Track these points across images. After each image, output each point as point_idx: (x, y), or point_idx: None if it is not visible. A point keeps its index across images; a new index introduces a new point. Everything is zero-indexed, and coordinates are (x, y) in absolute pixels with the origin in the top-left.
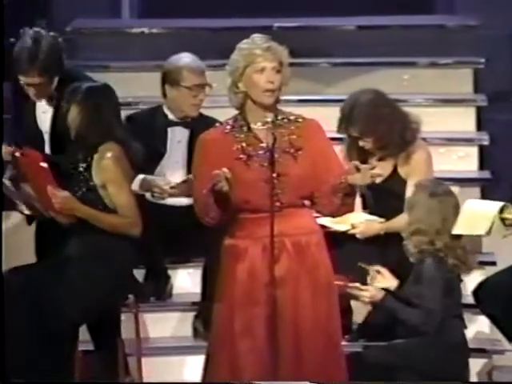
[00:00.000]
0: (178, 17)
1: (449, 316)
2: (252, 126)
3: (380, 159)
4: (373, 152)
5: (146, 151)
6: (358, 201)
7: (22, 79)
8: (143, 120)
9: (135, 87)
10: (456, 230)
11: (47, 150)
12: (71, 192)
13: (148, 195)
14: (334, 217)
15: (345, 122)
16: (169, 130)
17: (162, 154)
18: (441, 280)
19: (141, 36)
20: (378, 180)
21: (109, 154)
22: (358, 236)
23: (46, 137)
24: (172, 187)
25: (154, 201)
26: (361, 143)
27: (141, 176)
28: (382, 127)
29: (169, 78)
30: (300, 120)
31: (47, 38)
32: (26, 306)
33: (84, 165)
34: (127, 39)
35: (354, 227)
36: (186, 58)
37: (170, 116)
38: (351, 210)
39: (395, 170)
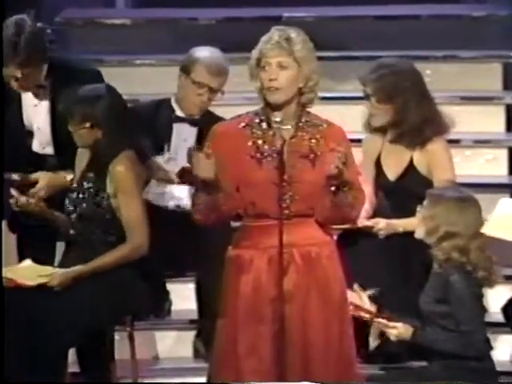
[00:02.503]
0: (177, 6)
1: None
2: (272, 122)
3: (392, 141)
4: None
5: (148, 147)
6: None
7: (5, 71)
8: (147, 112)
9: (131, 83)
10: (486, 229)
11: (36, 147)
12: (78, 205)
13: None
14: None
15: (369, 73)
16: (174, 126)
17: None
18: (471, 296)
19: (137, 27)
20: (393, 177)
21: (124, 161)
22: (380, 233)
23: (38, 133)
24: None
25: (154, 202)
26: (373, 112)
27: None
28: (397, 100)
29: (183, 65)
30: (324, 125)
31: (29, 26)
32: (15, 325)
33: (96, 174)
34: (122, 31)
35: (376, 223)
36: (206, 52)
37: (177, 111)
38: (350, 216)
39: (411, 163)
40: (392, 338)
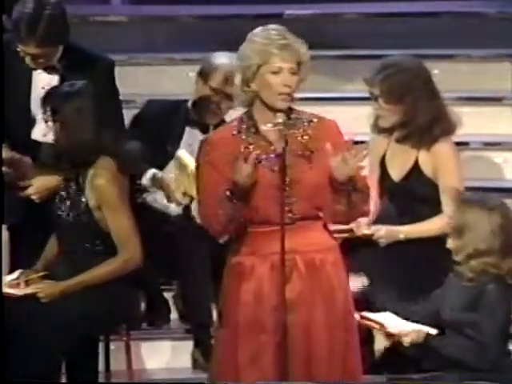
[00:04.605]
0: (175, 3)
1: (505, 352)
2: (261, 127)
3: (399, 141)
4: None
5: (157, 148)
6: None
7: (20, 48)
8: (163, 111)
9: (127, 83)
10: None
11: (37, 134)
12: (61, 214)
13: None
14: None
15: (376, 74)
16: (186, 129)
17: (172, 155)
18: (505, 309)
19: (133, 25)
20: (397, 178)
21: (103, 173)
22: (381, 241)
23: (39, 117)
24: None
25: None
26: (381, 113)
27: (152, 171)
28: (406, 98)
29: (201, 71)
30: (315, 120)
31: (51, 4)
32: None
33: (76, 184)
34: (118, 28)
35: (376, 231)
36: (226, 59)
37: (192, 115)
38: (363, 212)
39: (416, 164)
40: (405, 344)
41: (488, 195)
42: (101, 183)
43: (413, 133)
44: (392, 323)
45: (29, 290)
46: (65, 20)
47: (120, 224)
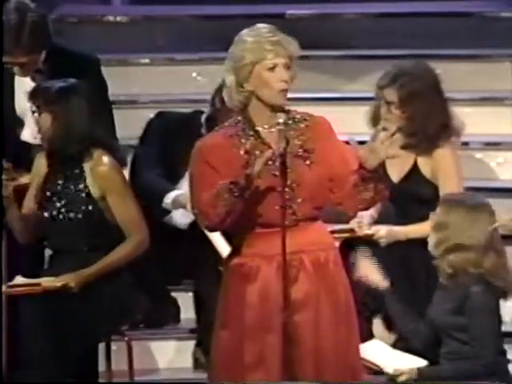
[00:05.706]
0: (176, 3)
1: (500, 352)
2: (258, 128)
3: (402, 147)
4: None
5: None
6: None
7: (6, 59)
8: (177, 123)
9: (128, 83)
10: None
11: (27, 137)
12: (55, 214)
13: None
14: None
15: (389, 78)
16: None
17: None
18: (492, 310)
19: (133, 25)
20: (396, 179)
21: (106, 162)
22: (381, 241)
23: (31, 121)
24: None
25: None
26: (388, 117)
27: (174, 193)
28: (419, 106)
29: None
30: (308, 118)
31: (32, 11)
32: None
33: (71, 181)
34: (118, 28)
35: (376, 231)
36: None
37: (203, 129)
38: (384, 196)
39: (415, 165)
40: (399, 382)
41: (471, 194)
42: (105, 171)
43: (421, 141)
44: (387, 362)
45: (58, 283)
46: (47, 24)
47: (129, 209)
